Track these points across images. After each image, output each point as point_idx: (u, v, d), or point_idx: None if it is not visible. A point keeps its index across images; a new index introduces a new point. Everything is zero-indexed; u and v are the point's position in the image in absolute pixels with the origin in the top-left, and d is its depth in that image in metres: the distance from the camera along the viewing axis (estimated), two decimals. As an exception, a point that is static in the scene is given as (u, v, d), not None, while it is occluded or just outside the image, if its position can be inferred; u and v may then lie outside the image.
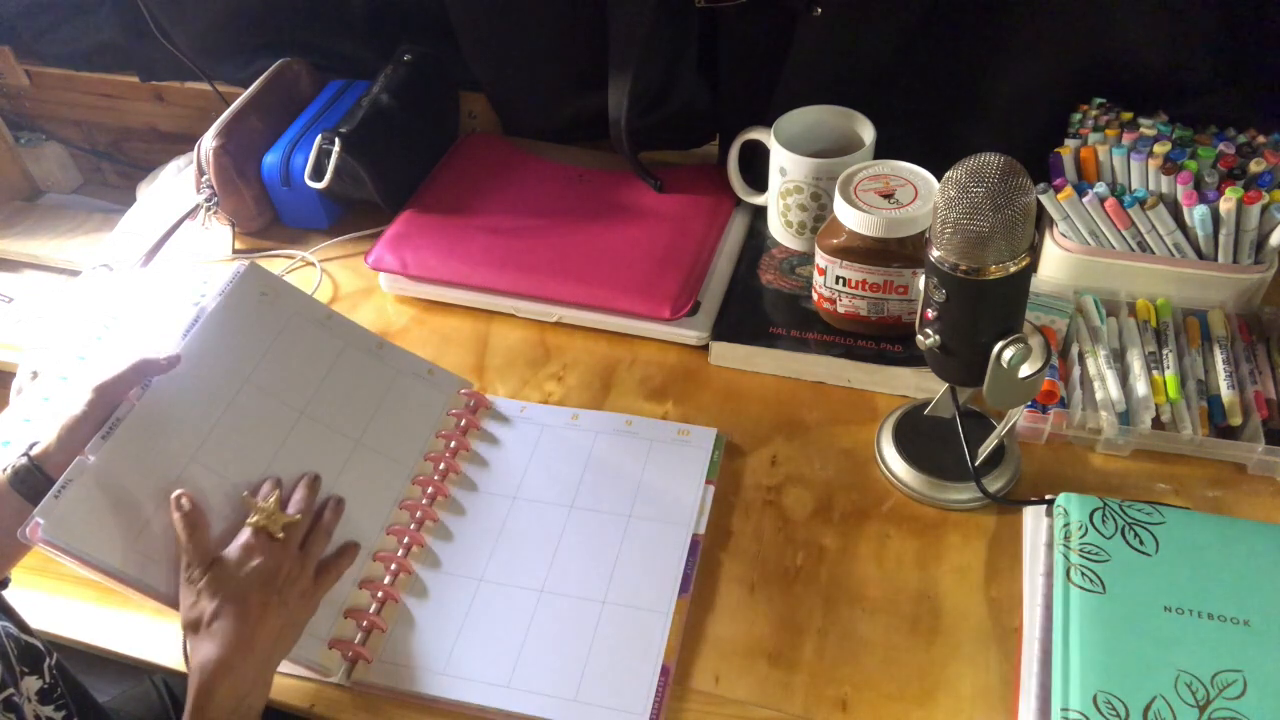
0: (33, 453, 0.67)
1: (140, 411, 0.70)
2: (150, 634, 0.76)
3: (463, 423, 0.86)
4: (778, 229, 1.01)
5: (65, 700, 0.65)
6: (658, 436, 0.85)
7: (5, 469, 0.67)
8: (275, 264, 1.08)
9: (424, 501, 0.80)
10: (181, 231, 1.09)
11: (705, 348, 0.93)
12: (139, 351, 0.73)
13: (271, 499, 0.71)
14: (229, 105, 1.08)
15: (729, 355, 0.92)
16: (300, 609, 0.68)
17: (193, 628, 0.64)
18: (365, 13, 1.12)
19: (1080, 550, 0.70)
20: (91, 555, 0.65)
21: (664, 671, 0.70)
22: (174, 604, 0.67)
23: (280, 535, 0.69)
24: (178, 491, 0.68)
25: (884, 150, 0.92)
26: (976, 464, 0.76)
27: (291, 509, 0.72)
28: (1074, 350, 0.85)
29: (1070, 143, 0.88)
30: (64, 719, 0.65)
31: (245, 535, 0.68)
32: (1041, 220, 0.85)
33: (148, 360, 0.72)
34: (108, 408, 0.69)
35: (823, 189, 0.93)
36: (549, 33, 1.03)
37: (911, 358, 0.87)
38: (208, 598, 0.65)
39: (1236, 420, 0.79)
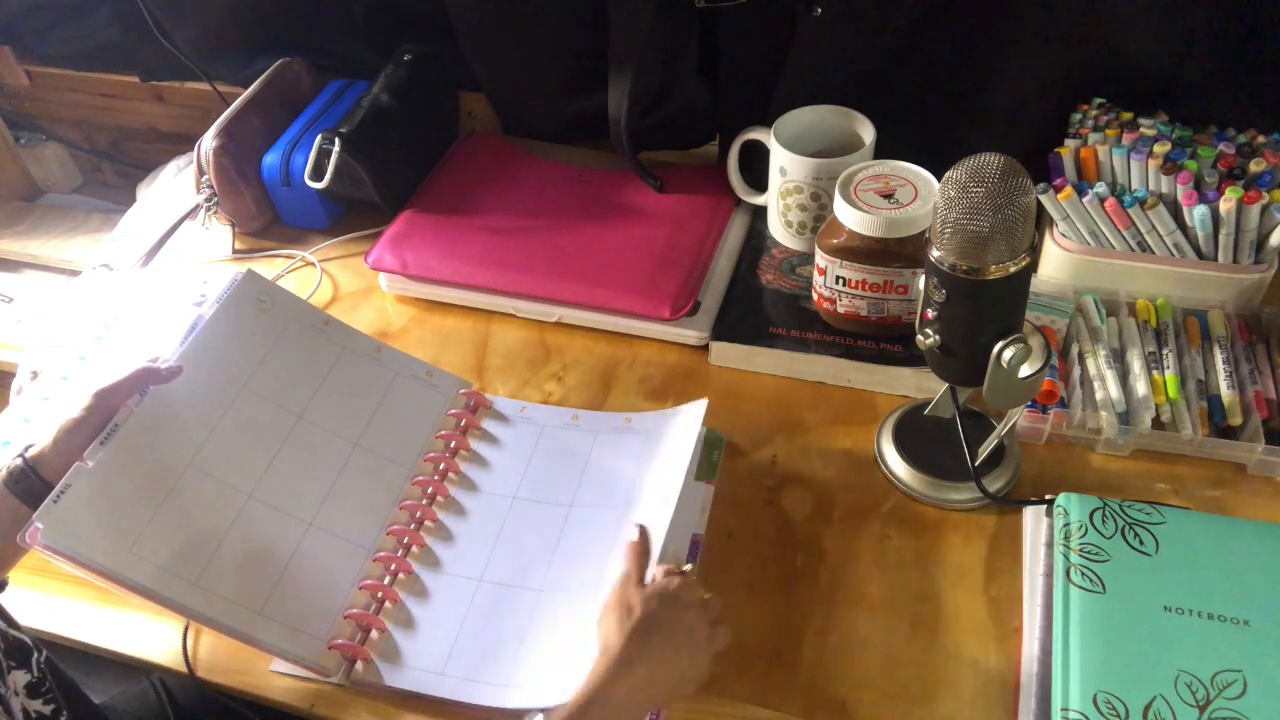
0: (28, 455, 0.67)
1: (139, 417, 0.70)
2: (149, 634, 0.76)
3: (462, 423, 0.86)
4: (778, 229, 1.01)
5: (54, 694, 0.65)
6: (656, 429, 0.84)
7: (1, 470, 0.67)
8: (275, 264, 1.08)
9: (423, 502, 0.80)
10: (181, 231, 1.09)
11: (705, 348, 0.93)
12: (141, 360, 0.73)
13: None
14: (229, 105, 1.08)
15: (729, 355, 0.92)
16: (687, 672, 0.64)
17: (618, 620, 0.63)
18: (365, 13, 1.12)
19: (1080, 550, 0.70)
20: (90, 559, 0.65)
21: (664, 671, 0.69)
22: (171, 606, 0.67)
23: (705, 598, 0.66)
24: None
25: (884, 150, 0.92)
26: (976, 464, 0.76)
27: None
28: (1074, 350, 0.85)
29: (1070, 143, 0.88)
30: (53, 712, 0.64)
31: (678, 581, 0.66)
32: (1041, 220, 0.85)
33: (150, 369, 0.72)
34: (106, 413, 0.69)
35: (823, 189, 0.93)
36: (549, 33, 1.03)
37: (911, 358, 0.87)
38: (645, 603, 0.64)
39: (1236, 420, 0.79)
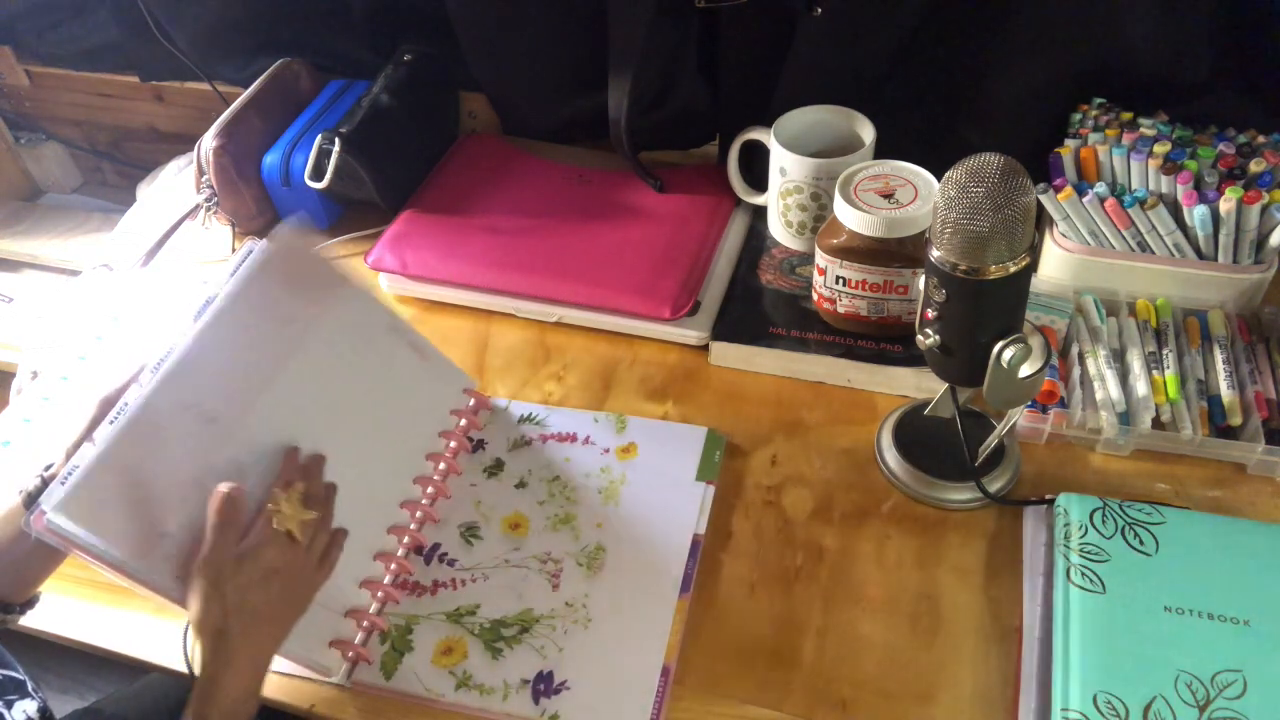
0: (46, 474, 0.67)
1: (150, 400, 0.66)
2: (150, 633, 0.76)
3: (463, 422, 0.86)
4: (778, 229, 1.01)
5: None
6: (652, 436, 0.84)
7: (20, 492, 0.67)
8: (275, 264, 1.08)
9: (424, 501, 0.80)
10: (181, 231, 1.09)
11: (705, 348, 0.93)
12: (142, 360, 0.72)
13: (295, 497, 0.67)
14: (229, 105, 1.08)
15: (729, 355, 0.92)
16: (303, 606, 0.67)
17: (203, 629, 0.62)
18: (365, 13, 1.12)
19: (1080, 550, 0.70)
20: (95, 545, 0.62)
21: (664, 671, 0.70)
22: (177, 599, 0.66)
23: (300, 538, 0.66)
24: (229, 485, 0.64)
25: (884, 150, 0.92)
26: (976, 464, 0.76)
27: (310, 504, 0.68)
28: (1074, 350, 0.85)
29: (1070, 143, 0.88)
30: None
31: (264, 534, 0.65)
32: (1041, 220, 0.85)
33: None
34: None
35: (823, 189, 0.93)
36: (549, 33, 1.03)
37: (911, 358, 0.87)
38: (220, 601, 0.62)
39: (1236, 420, 0.79)
